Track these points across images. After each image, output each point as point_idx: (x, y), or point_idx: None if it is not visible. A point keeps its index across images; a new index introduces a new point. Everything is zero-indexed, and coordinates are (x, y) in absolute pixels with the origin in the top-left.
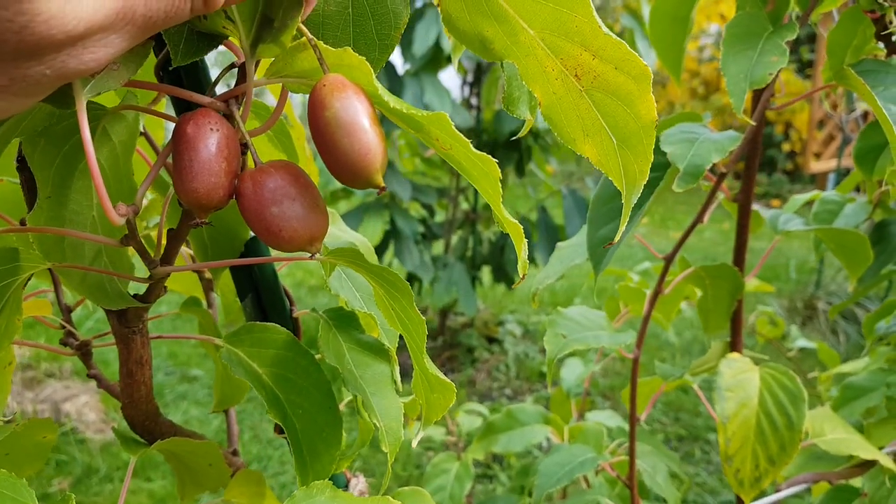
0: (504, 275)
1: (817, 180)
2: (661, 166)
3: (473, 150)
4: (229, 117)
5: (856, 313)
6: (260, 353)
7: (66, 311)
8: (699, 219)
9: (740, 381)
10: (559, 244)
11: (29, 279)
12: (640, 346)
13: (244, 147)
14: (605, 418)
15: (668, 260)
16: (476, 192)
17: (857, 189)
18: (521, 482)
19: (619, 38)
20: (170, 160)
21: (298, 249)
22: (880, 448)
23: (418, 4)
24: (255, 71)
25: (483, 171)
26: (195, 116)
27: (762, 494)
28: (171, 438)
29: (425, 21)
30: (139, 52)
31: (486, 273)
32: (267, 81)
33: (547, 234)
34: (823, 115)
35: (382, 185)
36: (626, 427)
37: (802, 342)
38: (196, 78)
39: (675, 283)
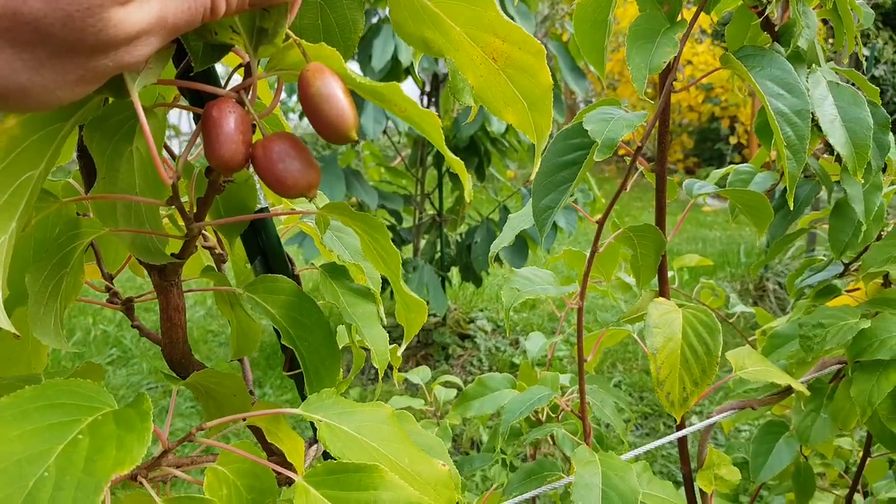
0: (472, 274)
1: (765, 166)
2: (586, 146)
3: (420, 108)
4: (241, 103)
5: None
6: (273, 298)
7: (109, 277)
8: (623, 186)
9: (666, 319)
10: (510, 216)
11: (90, 244)
12: (583, 297)
13: (254, 125)
14: (564, 380)
15: (601, 223)
16: (441, 196)
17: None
18: (493, 442)
19: (517, 24)
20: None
21: (300, 195)
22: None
23: (374, 20)
24: (258, 67)
25: (430, 122)
26: (218, 103)
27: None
28: (203, 371)
29: (382, 36)
30: (164, 55)
31: (454, 273)
32: (267, 74)
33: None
34: None
35: (356, 138)
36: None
37: (741, 307)
38: (209, 80)
39: (608, 242)
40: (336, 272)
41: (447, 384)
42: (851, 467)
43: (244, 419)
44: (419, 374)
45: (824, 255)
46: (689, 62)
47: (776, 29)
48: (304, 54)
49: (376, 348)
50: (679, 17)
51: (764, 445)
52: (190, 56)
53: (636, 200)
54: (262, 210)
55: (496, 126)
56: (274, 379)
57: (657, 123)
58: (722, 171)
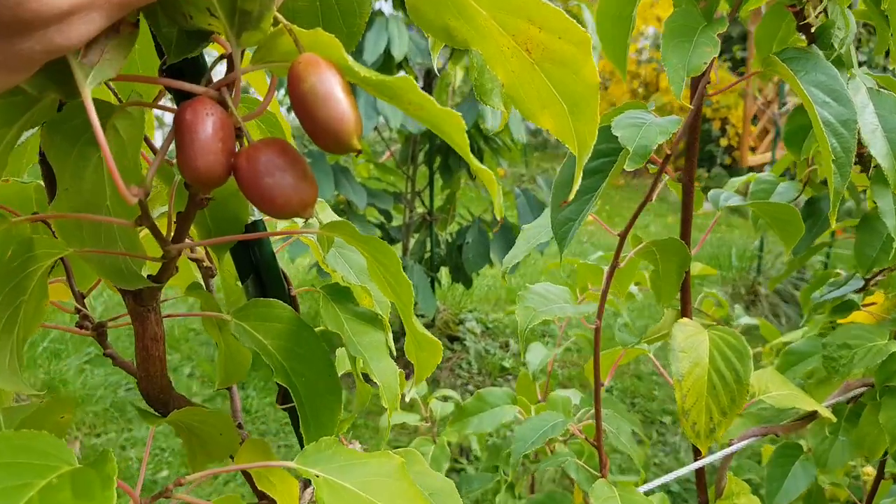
0: (462, 275)
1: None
2: (613, 151)
3: (439, 106)
4: (223, 104)
5: (795, 296)
6: (265, 326)
7: (80, 297)
8: (648, 198)
9: (692, 342)
10: (524, 227)
11: (54, 265)
12: (601, 316)
13: (238, 130)
14: (569, 395)
15: (623, 236)
16: (432, 194)
17: (788, 171)
18: (494, 462)
19: (557, 7)
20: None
21: (293, 215)
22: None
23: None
24: (241, 60)
25: (450, 122)
26: (192, 104)
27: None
28: (185, 409)
29: (374, 30)
30: (125, 42)
31: (444, 274)
32: (253, 68)
33: (502, 233)
34: (757, 110)
35: (359, 147)
36: (591, 400)
37: (746, 319)
38: (197, 74)
39: (630, 257)
40: (339, 295)
41: (444, 398)
42: (853, 480)
43: (233, 462)
44: (416, 388)
45: (841, 269)
46: None
47: (812, 30)
48: (297, 42)
49: (385, 383)
50: (716, 14)
51: (779, 469)
52: (163, 46)
53: (628, 201)
54: (255, 224)
55: (490, 123)
56: (257, 381)
57: (686, 130)
58: (741, 179)
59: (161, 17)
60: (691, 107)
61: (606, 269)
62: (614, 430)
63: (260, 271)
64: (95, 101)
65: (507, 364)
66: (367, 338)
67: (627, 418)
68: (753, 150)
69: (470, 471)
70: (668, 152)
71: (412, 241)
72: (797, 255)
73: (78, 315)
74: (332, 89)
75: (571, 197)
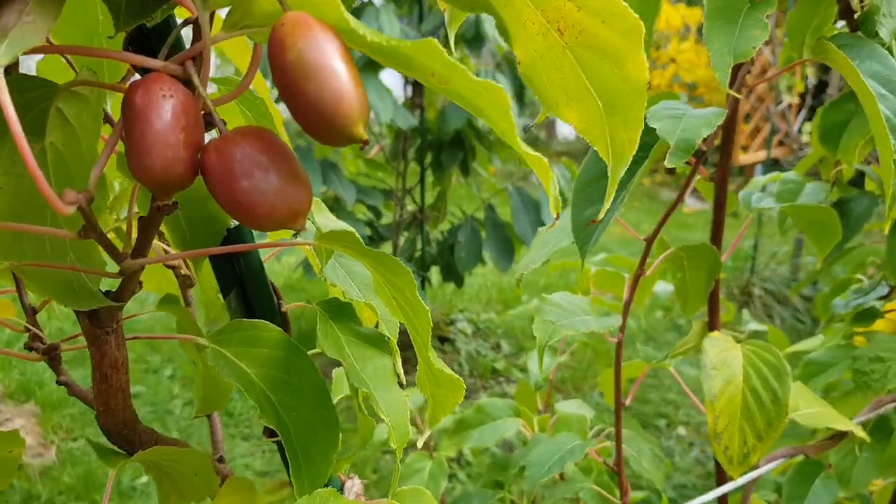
0: (454, 274)
1: (745, 172)
2: (643, 146)
3: (474, 77)
4: (187, 83)
5: (788, 297)
6: (249, 352)
7: (31, 312)
8: (680, 198)
9: (724, 358)
10: (540, 229)
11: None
12: (623, 329)
13: (208, 117)
14: (574, 408)
15: (649, 241)
16: (423, 191)
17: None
18: (495, 477)
19: None
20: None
21: (280, 227)
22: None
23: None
24: (211, 25)
25: (490, 100)
26: (144, 83)
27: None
28: (154, 448)
29: (363, 20)
30: (51, 3)
31: (434, 273)
32: (226, 35)
33: (495, 232)
34: (750, 108)
35: (364, 137)
36: (597, 414)
37: (753, 325)
38: (159, 43)
39: (657, 264)
40: (339, 313)
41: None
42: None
43: None
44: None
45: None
46: (673, 60)
47: (856, 17)
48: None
49: (394, 421)
50: None
51: (798, 488)
52: (109, 9)
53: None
54: (239, 228)
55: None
56: None
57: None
58: (765, 178)
59: None
60: (737, 95)
61: (628, 276)
62: (635, 452)
63: (245, 283)
64: (33, 79)
65: (498, 366)
66: (371, 364)
67: (646, 439)
68: (745, 149)
69: (461, 476)
70: (704, 148)
71: (402, 240)
72: (828, 259)
73: (28, 335)
74: (326, 58)
75: (601, 216)
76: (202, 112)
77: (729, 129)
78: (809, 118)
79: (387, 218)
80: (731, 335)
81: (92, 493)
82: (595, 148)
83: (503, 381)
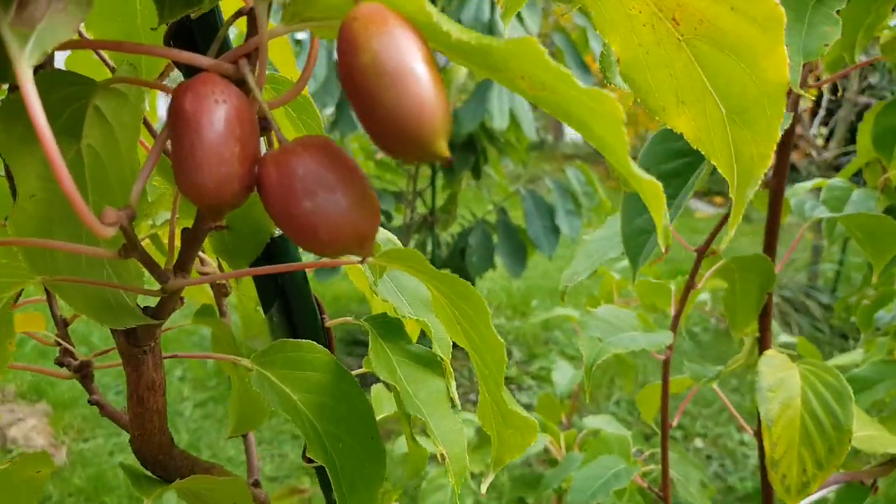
0: (464, 277)
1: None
2: (695, 151)
3: (580, 84)
4: (241, 84)
5: (807, 305)
6: (294, 375)
7: (62, 324)
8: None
9: (781, 379)
10: (584, 237)
11: (18, 296)
12: (672, 346)
13: (264, 123)
14: (603, 423)
15: (701, 252)
16: (434, 193)
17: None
18: (520, 493)
19: None
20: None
21: (344, 253)
22: None
23: None
24: (268, 17)
25: (596, 112)
26: (193, 85)
27: None
28: (193, 477)
29: None
30: None
31: None
32: (286, 29)
33: (508, 237)
34: None
35: (447, 154)
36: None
37: (784, 338)
38: (205, 37)
39: (708, 276)
40: (389, 330)
41: (464, 421)
42: None
43: None
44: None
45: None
46: None
47: None
48: None
49: (451, 452)
50: None
51: None
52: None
53: None
54: (284, 237)
55: (497, 122)
56: None
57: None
58: (809, 183)
59: None
60: (807, 96)
61: (674, 288)
62: (682, 477)
63: (288, 296)
64: (68, 74)
65: (510, 373)
66: (425, 388)
67: (691, 462)
68: None
69: (472, 485)
70: None
71: (412, 242)
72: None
73: (59, 349)
74: (406, 60)
75: (662, 240)
76: (258, 118)
77: (788, 133)
78: (825, 122)
79: (397, 220)
80: (786, 353)
81: (102, 496)
82: (713, 162)
83: (514, 389)
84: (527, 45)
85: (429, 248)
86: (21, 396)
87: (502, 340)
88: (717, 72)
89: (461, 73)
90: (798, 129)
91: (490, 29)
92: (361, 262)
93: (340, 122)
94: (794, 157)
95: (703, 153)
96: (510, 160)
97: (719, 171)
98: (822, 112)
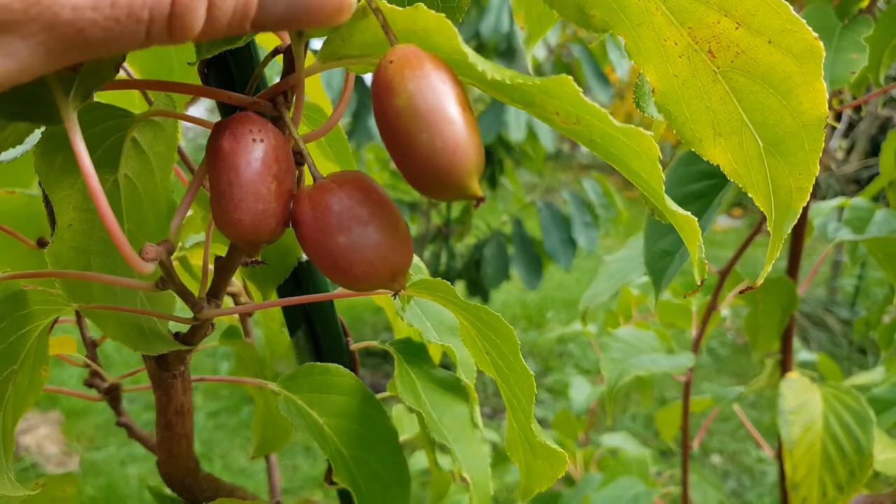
0: (479, 290)
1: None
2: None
3: (615, 122)
4: (277, 121)
5: (826, 320)
6: (321, 399)
7: (91, 346)
8: (758, 229)
9: (802, 402)
10: (606, 258)
11: (54, 323)
12: (693, 368)
13: (298, 157)
14: (619, 441)
15: (724, 274)
16: (449, 204)
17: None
18: None
19: None
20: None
21: (377, 287)
22: None
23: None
24: (305, 55)
25: (632, 149)
26: (231, 124)
27: None
28: (218, 501)
29: None
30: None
31: (459, 287)
32: (322, 66)
33: (523, 248)
34: None
35: (479, 193)
36: (646, 451)
37: (804, 354)
38: (240, 72)
39: (730, 299)
40: (414, 354)
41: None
42: None
43: None
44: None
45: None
46: None
47: None
48: (385, 27)
49: (475, 478)
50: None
51: None
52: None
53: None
54: (309, 264)
55: (514, 134)
56: None
57: None
58: (832, 203)
59: None
60: (833, 123)
61: (695, 309)
62: (701, 499)
63: (313, 319)
64: (107, 108)
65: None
66: (449, 413)
67: (711, 483)
68: None
69: None
70: None
71: (427, 253)
72: None
73: (88, 370)
74: (440, 104)
75: (697, 274)
76: (294, 152)
77: None
78: (845, 135)
79: (412, 231)
80: (808, 376)
81: None
82: (750, 194)
83: None
84: (562, 84)
85: (443, 259)
86: (34, 404)
87: (532, 371)
88: (754, 104)
89: None
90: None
91: (509, 39)
92: (394, 297)
93: (356, 132)
94: None
95: (743, 187)
96: (526, 170)
97: (757, 204)
98: (842, 125)
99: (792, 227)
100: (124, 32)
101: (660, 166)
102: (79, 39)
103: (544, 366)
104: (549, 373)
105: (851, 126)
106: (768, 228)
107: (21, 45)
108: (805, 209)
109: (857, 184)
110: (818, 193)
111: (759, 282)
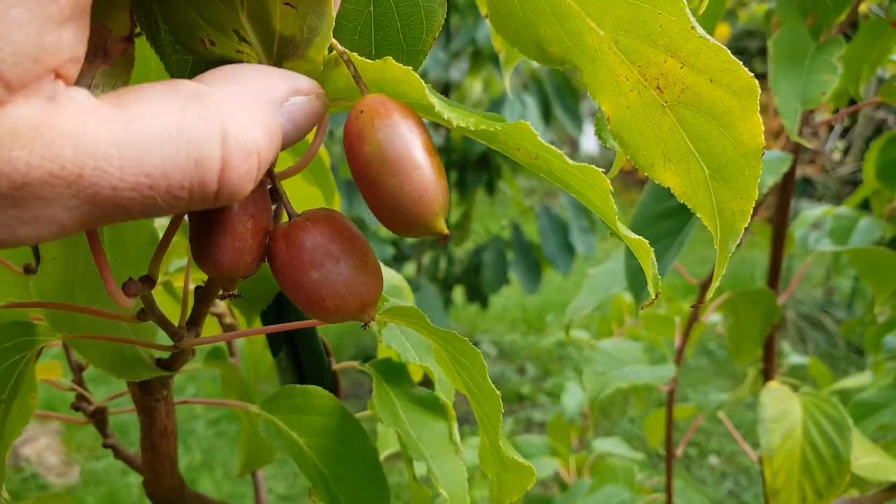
0: (478, 295)
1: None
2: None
3: (569, 161)
4: None
5: (823, 321)
6: (301, 420)
7: (78, 370)
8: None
9: (782, 410)
10: (590, 271)
11: (40, 353)
12: (676, 378)
13: (274, 194)
14: (611, 447)
15: (705, 286)
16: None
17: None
18: None
19: (714, 42)
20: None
21: (347, 320)
22: None
23: None
24: None
25: (586, 183)
26: None
27: None
28: None
29: None
30: (120, 68)
31: (458, 292)
32: None
33: (522, 254)
34: (779, 126)
35: (445, 231)
36: (636, 457)
37: (795, 358)
38: None
39: (712, 309)
40: (393, 375)
41: (470, 446)
42: None
43: None
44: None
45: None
46: None
47: None
48: (357, 78)
49: (451, 492)
50: (826, 34)
51: None
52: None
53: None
54: None
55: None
56: None
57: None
58: (816, 212)
59: (165, 41)
60: (809, 144)
61: (678, 321)
62: None
63: (295, 340)
64: None
65: (524, 391)
66: (427, 431)
67: (697, 490)
68: None
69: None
70: (765, 192)
71: (426, 259)
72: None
73: (74, 394)
74: (407, 151)
75: (652, 288)
76: (270, 190)
77: (789, 174)
78: (843, 136)
79: (410, 238)
80: (789, 384)
81: None
82: (698, 214)
83: (529, 406)
84: (521, 129)
85: (442, 264)
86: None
87: (498, 392)
88: (698, 135)
89: (475, 88)
90: (814, 145)
91: None
92: (364, 327)
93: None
94: (811, 171)
95: (692, 208)
96: (524, 175)
97: (705, 223)
98: (839, 126)
99: (736, 244)
100: (164, 207)
101: (611, 197)
102: (120, 211)
103: (544, 369)
104: (548, 376)
105: (847, 128)
106: (715, 246)
107: (63, 215)
108: (783, 224)
109: (853, 185)
110: (814, 194)
111: (709, 295)
